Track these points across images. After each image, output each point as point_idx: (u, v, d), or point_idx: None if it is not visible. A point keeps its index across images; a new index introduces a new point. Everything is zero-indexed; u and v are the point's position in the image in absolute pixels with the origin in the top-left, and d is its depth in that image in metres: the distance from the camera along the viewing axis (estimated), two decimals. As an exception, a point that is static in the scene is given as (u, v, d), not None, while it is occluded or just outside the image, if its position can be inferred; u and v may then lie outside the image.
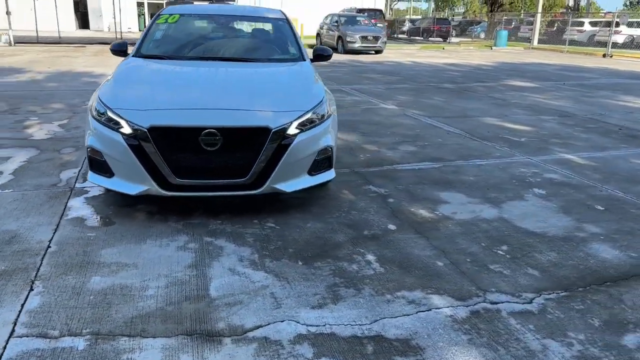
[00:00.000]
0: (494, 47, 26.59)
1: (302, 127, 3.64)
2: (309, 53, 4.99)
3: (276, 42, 5.14)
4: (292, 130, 3.57)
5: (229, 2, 22.52)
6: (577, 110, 8.64)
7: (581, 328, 2.50)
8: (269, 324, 2.46)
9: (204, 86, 3.91)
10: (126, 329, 2.39)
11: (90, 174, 3.70)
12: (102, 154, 3.53)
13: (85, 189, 4.19)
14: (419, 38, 35.42)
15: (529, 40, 29.08)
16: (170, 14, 5.20)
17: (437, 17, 42.10)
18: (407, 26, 39.76)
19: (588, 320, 2.57)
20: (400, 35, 39.41)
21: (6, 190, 4.11)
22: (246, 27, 5.48)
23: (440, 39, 32.78)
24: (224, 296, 2.68)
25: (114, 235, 3.37)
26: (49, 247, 3.17)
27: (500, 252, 3.28)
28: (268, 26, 5.30)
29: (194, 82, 4.00)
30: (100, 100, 3.65)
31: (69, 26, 30.95)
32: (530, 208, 4.07)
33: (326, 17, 22.66)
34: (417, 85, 11.42)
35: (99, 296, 2.65)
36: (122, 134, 3.41)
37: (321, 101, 3.88)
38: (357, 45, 19.86)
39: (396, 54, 21.41)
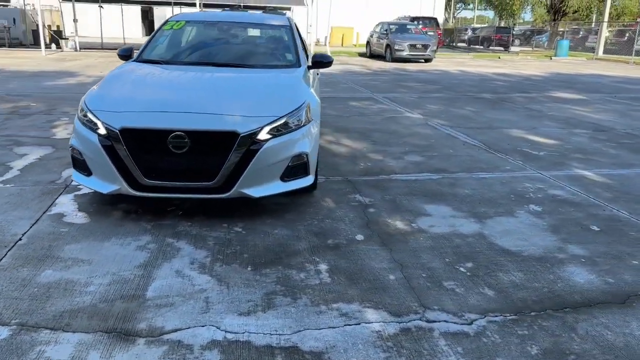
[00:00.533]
0: (553, 57, 25.47)
1: (276, 132, 3.63)
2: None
3: (275, 48, 5.17)
4: (262, 135, 3.57)
5: (242, 10, 22.76)
6: (616, 124, 8.11)
7: (514, 355, 2.33)
8: (189, 327, 2.46)
9: (183, 90, 3.98)
10: (52, 322, 2.46)
11: (73, 172, 3.87)
12: (81, 153, 3.67)
13: (79, 186, 4.37)
14: (479, 47, 34.59)
15: (594, 50, 27.64)
16: (177, 21, 5.35)
17: (499, 25, 40.91)
18: (468, 34, 38.91)
19: (526, 347, 2.39)
20: (460, 44, 38.63)
21: (7, 185, 4.36)
22: (248, 33, 5.54)
23: (501, 48, 31.84)
24: (159, 297, 2.71)
25: (84, 231, 3.49)
26: (19, 239, 3.33)
27: (462, 269, 3.12)
28: (270, 33, 5.34)
29: (175, 87, 4.08)
30: (84, 101, 3.81)
31: (135, 33, 32.56)
32: (516, 225, 3.85)
33: (377, 26, 22.57)
34: (453, 94, 11.13)
35: (42, 289, 2.75)
36: (98, 134, 3.54)
37: (299, 107, 3.85)
38: (405, 53, 19.62)
39: (446, 62, 20.98)
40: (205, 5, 23.98)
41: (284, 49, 5.02)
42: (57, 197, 4.12)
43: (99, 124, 3.54)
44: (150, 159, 3.52)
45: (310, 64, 4.95)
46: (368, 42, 23.04)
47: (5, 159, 5.13)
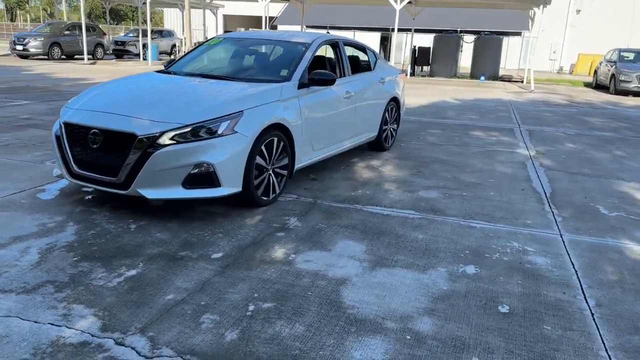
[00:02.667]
0: None
1: (181, 139, 3.75)
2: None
3: (277, 64, 5.15)
4: (164, 140, 3.73)
5: (458, 35, 21.55)
6: None
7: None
8: (-49, 289, 2.81)
9: (136, 96, 4.32)
10: None
11: (57, 155, 4.63)
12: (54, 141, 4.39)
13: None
14: None
15: None
16: (217, 38, 5.80)
17: None
18: None
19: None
20: None
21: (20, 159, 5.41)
22: (263, 50, 5.61)
23: None
24: (-22, 262, 3.14)
25: (34, 204, 4.17)
26: None
27: (263, 306, 2.73)
28: (286, 50, 5.31)
29: (135, 92, 4.43)
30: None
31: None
32: (387, 278, 3.12)
33: (607, 53, 19.39)
34: (631, 135, 8.99)
35: None
36: (58, 125, 4.21)
37: (218, 117, 3.88)
38: (633, 85, 16.40)
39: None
40: (419, 31, 24.15)
41: (285, 65, 4.98)
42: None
43: (60, 117, 4.20)
44: (79, 151, 4.01)
45: (306, 81, 4.80)
46: (595, 71, 19.99)
47: None
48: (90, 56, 22.89)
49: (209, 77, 4.90)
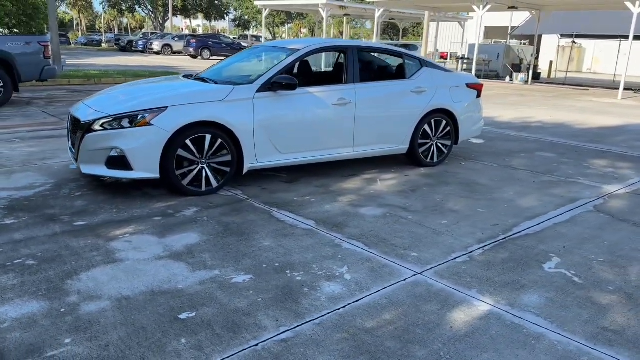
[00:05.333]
0: None
1: (107, 127, 4.51)
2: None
3: (259, 68, 5.33)
4: (95, 126, 4.55)
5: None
6: None
7: None
8: None
9: (120, 94, 5.09)
10: None
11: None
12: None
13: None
14: None
15: None
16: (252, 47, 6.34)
17: None
18: None
19: None
20: None
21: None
22: (263, 57, 5.75)
23: None
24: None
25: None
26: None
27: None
28: (275, 55, 5.47)
29: (124, 91, 5.25)
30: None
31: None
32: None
33: None
34: None
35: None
36: None
37: (139, 111, 4.47)
38: None
39: None
40: None
41: (262, 70, 5.19)
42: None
43: (76, 109, 5.44)
44: (70, 135, 5.12)
45: (270, 85, 4.96)
46: None
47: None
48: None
49: (199, 79, 5.49)
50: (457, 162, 6.55)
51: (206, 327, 2.65)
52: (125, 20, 79.70)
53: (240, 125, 4.81)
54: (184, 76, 6.00)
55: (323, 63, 6.32)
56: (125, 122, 4.48)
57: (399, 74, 6.09)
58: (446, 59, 28.39)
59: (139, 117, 4.49)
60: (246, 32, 60.47)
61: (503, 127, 9.58)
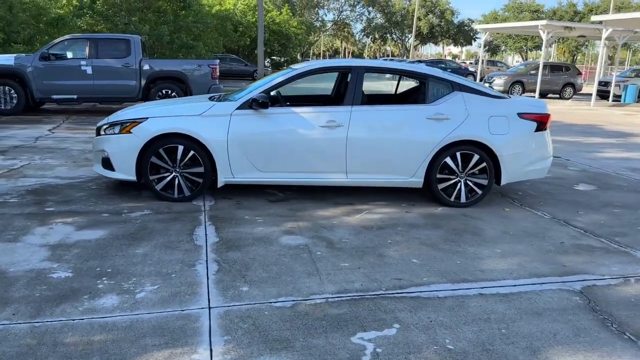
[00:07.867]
0: None
1: (103, 132, 5.27)
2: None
3: (255, 86, 5.38)
4: (101, 130, 5.35)
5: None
6: None
7: None
8: (-21, 183, 5.59)
9: (150, 106, 5.82)
10: None
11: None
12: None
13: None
14: None
15: None
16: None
17: None
18: None
19: None
20: None
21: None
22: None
23: None
24: None
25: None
26: None
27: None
28: (275, 75, 5.48)
29: (156, 103, 5.94)
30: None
31: None
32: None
33: None
34: None
35: None
36: None
37: (126, 120, 5.11)
38: None
39: None
40: None
41: (254, 88, 5.26)
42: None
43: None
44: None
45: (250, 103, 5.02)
46: None
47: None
48: (558, 95, 23.18)
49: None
50: (500, 206, 5.37)
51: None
52: (389, 48, 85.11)
53: (213, 140, 4.98)
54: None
55: (335, 84, 5.97)
56: (116, 129, 5.15)
57: (418, 98, 5.36)
58: None
59: (125, 125, 5.09)
60: (490, 57, 58.47)
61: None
